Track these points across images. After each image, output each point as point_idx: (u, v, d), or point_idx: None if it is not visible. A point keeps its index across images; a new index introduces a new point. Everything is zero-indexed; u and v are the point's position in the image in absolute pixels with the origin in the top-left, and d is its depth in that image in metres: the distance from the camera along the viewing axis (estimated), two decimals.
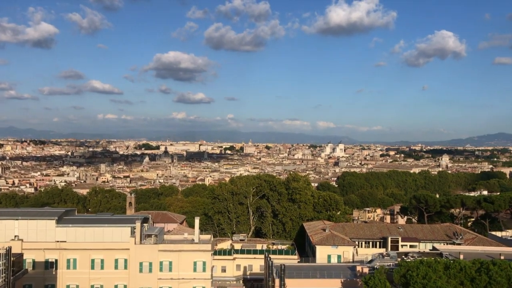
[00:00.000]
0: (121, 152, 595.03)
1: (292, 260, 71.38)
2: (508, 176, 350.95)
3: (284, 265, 53.20)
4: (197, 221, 65.42)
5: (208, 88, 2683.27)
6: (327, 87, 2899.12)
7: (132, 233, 60.84)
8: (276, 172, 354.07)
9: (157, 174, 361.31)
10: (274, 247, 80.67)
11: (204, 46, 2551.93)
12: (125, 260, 59.91)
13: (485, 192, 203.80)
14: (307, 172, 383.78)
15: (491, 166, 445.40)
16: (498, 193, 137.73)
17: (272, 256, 64.03)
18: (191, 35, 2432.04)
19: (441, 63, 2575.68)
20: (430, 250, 67.95)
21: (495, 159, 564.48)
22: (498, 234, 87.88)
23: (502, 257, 51.43)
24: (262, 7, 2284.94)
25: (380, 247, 76.70)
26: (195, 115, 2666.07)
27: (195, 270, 60.60)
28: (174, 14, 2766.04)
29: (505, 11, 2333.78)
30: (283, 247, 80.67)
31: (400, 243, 75.62)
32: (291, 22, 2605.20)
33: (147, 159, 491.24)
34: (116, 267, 60.11)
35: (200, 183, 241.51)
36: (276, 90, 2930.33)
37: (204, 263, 60.92)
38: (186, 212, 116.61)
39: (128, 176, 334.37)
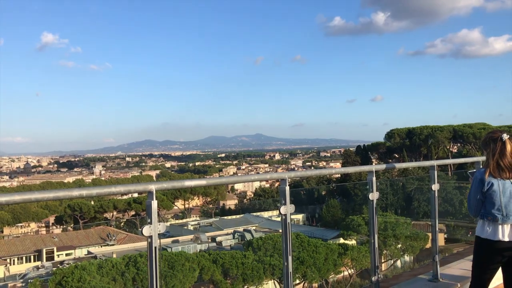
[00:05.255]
0: None
1: None
2: (154, 178, 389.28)
3: None
4: None
5: None
6: None
7: None
8: None
9: None
10: None
11: None
12: None
13: (135, 194, 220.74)
14: None
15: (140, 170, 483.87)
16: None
17: None
18: None
19: None
20: (85, 254, 70.47)
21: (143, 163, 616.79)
22: None
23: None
24: None
25: (35, 260, 74.61)
26: None
27: None
28: None
29: None
30: None
31: (56, 253, 75.54)
32: None
33: None
34: None
35: None
36: None
37: None
38: None
39: None
